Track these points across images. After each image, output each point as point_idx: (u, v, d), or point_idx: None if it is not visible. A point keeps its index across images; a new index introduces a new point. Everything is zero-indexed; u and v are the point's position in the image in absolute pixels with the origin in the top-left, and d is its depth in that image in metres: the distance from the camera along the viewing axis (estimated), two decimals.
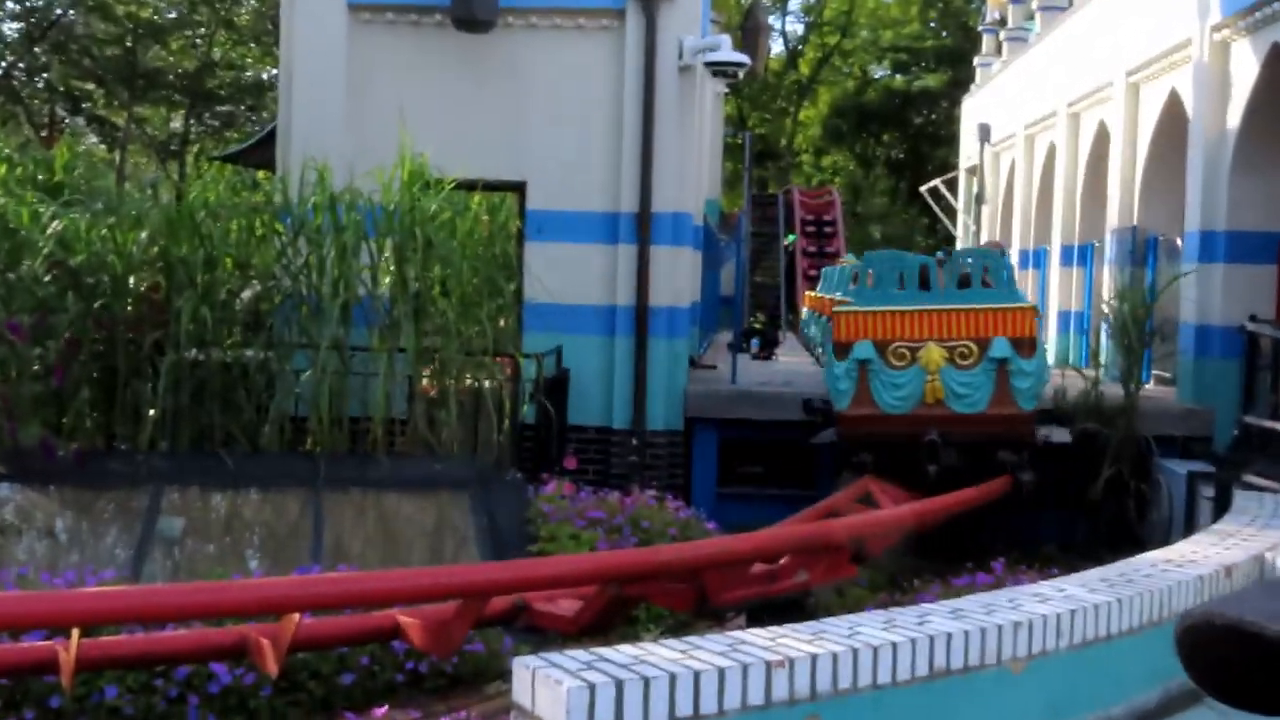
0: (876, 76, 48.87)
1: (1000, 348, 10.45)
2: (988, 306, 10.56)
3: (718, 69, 12.27)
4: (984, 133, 25.59)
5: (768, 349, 18.21)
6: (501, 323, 11.03)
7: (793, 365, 17.23)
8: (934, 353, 10.50)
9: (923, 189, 30.46)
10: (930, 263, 11.37)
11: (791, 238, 33.55)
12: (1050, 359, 18.73)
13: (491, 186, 11.60)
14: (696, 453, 12.74)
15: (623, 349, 12.26)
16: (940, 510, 9.59)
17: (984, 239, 25.49)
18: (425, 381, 9.84)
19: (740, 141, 42.18)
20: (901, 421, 10.50)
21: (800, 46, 50.60)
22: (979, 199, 26.18)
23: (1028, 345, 10.49)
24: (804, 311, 24.19)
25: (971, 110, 28.74)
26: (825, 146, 48.51)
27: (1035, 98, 21.64)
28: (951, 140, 39.41)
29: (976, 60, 29.75)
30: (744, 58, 12.44)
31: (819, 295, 20.56)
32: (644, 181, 12.07)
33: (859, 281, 13.69)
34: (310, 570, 7.87)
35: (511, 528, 8.89)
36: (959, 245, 28.65)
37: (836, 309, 11.15)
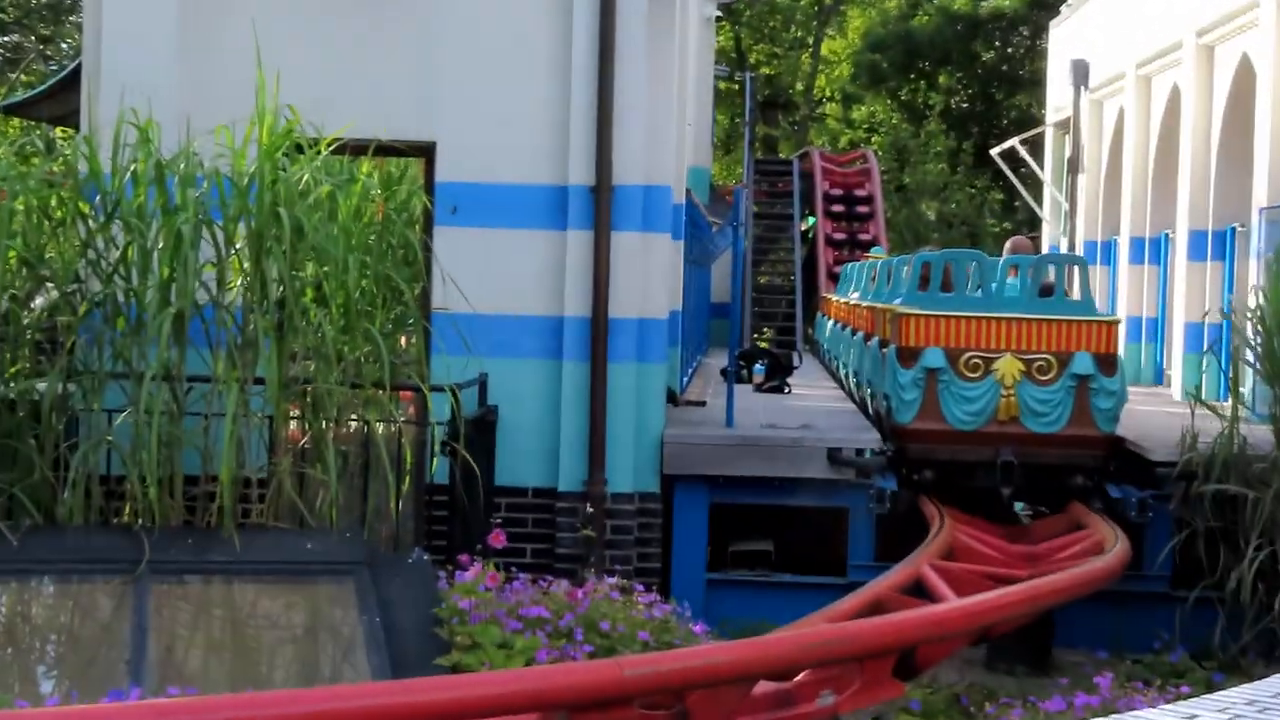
0: None
1: (1083, 363, 12.78)
2: (1070, 318, 12.96)
3: None
4: (1080, 72, 25.75)
5: (778, 377, 18.26)
6: (402, 341, 10.99)
7: (813, 399, 17.26)
8: (1011, 365, 12.81)
9: (995, 152, 30.59)
10: (964, 258, 13.79)
11: (811, 220, 33.66)
12: (1174, 386, 18.92)
13: (388, 150, 11.59)
14: (678, 524, 12.74)
15: (573, 378, 12.26)
16: (1024, 604, 9.64)
17: (1080, 219, 25.66)
18: (293, 426, 9.79)
19: (739, 85, 42.28)
20: (971, 439, 12.82)
21: None
22: (1073, 165, 26.34)
23: (1110, 362, 12.86)
24: (820, 321, 24.45)
25: (1062, 41, 28.94)
26: (858, 93, 48.81)
27: (1152, 22, 21.81)
28: (1035, 83, 39.68)
29: None
30: None
31: (837, 299, 20.85)
32: (601, 142, 12.09)
33: (879, 280, 16.15)
34: (129, 695, 7.82)
35: (415, 631, 8.86)
36: (1046, 229, 28.83)
37: (901, 311, 13.24)
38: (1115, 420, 13.04)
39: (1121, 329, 15.05)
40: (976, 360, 12.87)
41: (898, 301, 13.93)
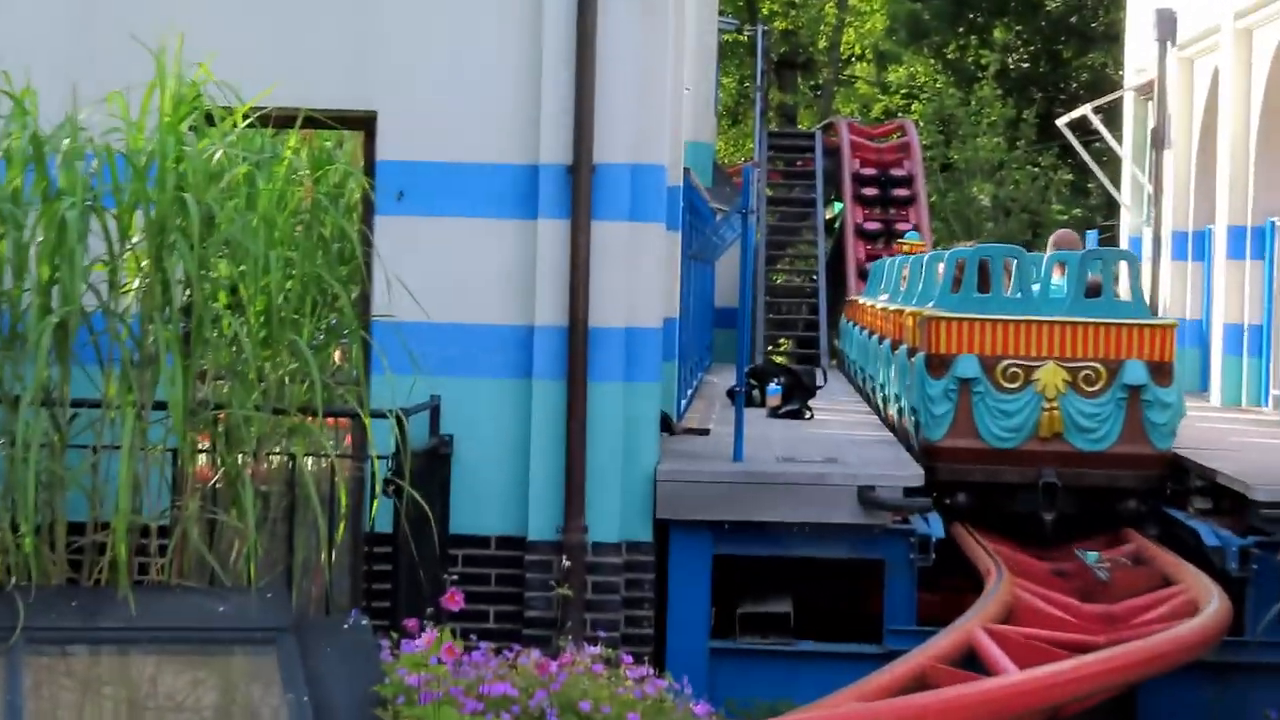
0: None
1: (1135, 372, 14.00)
2: (1120, 321, 14.19)
3: None
4: (1165, 24, 25.78)
5: (798, 398, 18.27)
6: (336, 357, 10.97)
7: (841, 425, 17.27)
8: (1054, 374, 14.02)
9: (1062, 122, 30.63)
10: (1000, 254, 15.04)
11: (838, 207, 33.73)
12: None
13: (318, 122, 11.58)
14: (675, 581, 12.73)
15: (547, 401, 12.26)
16: (1102, 677, 9.67)
17: (1167, 205, 25.67)
18: (202, 461, 9.77)
19: (748, 41, 42.24)
20: (1010, 457, 14.04)
21: None
22: (1157, 138, 26.38)
23: (1164, 371, 14.07)
24: (846, 329, 24.68)
25: None
26: (894, 50, 48.98)
27: None
28: (1111, 38, 39.79)
29: None
30: None
31: (866, 302, 21.09)
32: (580, 110, 12.11)
33: (909, 281, 18.12)
34: None
35: (352, 712, 8.85)
36: (1125, 216, 28.88)
37: (930, 314, 14.57)
38: (1172, 435, 14.23)
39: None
40: (1015, 369, 14.10)
41: (929, 304, 14.92)
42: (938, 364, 14.09)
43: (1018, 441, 13.97)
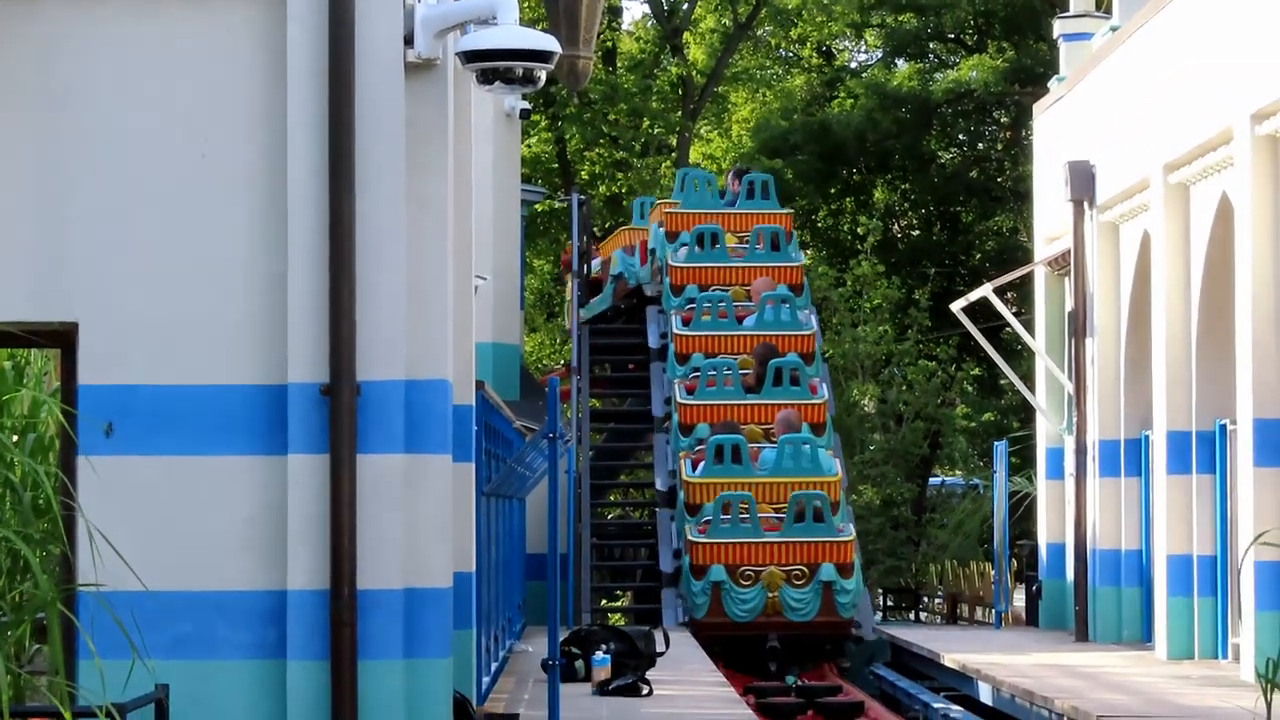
0: (853, 65, 50.09)
1: (827, 571, 29.57)
2: (818, 539, 29.62)
3: (488, 70, 12.49)
4: (1081, 181, 26.04)
5: (632, 670, 18.26)
6: (26, 654, 10.88)
7: (687, 701, 17.22)
8: (775, 575, 29.45)
9: (957, 306, 30.64)
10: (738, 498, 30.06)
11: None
12: (1244, 661, 19.03)
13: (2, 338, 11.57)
14: None
15: (305, 688, 12.19)
16: None
17: (1090, 406, 25.84)
18: None
19: (563, 207, 41.92)
20: (748, 628, 29.24)
21: (689, 6, 51.51)
22: (1077, 324, 26.62)
23: (847, 569, 29.80)
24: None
25: (1052, 133, 29.48)
26: None
27: (1189, 105, 22.29)
28: (1021, 196, 40.20)
29: (1059, 32, 30.69)
30: (545, 42, 12.66)
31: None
32: (336, 314, 12.15)
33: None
34: None
35: None
36: (1041, 423, 29.18)
37: (693, 539, 29.38)
38: (853, 608, 29.93)
39: (856, 546, 30.98)
40: (750, 573, 29.22)
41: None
42: (698, 572, 29.05)
43: (752, 617, 29.19)
